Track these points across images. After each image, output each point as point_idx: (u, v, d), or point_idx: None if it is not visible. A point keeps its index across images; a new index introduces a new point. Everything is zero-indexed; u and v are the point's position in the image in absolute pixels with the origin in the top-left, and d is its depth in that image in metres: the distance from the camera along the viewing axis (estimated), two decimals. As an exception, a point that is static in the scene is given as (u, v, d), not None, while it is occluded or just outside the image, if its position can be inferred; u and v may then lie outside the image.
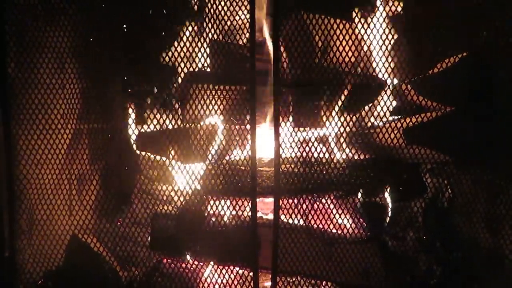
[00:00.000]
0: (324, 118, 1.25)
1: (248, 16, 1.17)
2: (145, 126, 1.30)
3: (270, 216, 1.29)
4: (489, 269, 1.29)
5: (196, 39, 1.24)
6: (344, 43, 1.19)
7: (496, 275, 1.29)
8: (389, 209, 1.30)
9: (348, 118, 1.24)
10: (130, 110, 1.32)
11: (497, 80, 1.25)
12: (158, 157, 1.32)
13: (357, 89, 1.25)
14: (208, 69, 1.30)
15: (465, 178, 1.30)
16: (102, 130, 1.33)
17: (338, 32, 1.18)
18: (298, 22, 1.20)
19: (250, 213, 1.23)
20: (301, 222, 1.28)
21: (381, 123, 1.26)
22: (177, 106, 1.28)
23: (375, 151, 1.28)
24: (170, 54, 1.24)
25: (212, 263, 1.32)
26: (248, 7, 1.17)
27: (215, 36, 1.24)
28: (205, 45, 1.26)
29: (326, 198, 1.27)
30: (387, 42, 1.20)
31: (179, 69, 1.25)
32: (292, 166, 1.27)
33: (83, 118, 1.31)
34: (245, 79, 1.19)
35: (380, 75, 1.25)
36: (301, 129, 1.29)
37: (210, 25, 1.22)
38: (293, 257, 1.26)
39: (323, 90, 1.25)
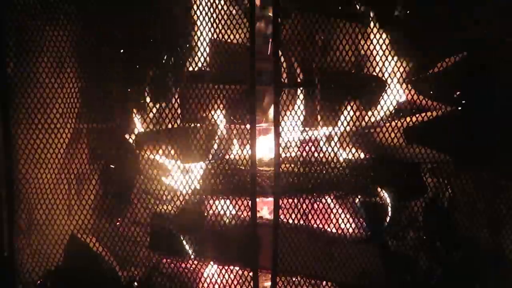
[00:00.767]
0: (324, 118, 1.25)
1: (248, 15, 1.17)
2: (145, 126, 1.30)
3: (270, 216, 1.29)
4: (489, 269, 1.29)
5: (196, 38, 1.24)
6: (344, 42, 1.19)
7: (496, 274, 1.29)
8: (389, 209, 1.30)
9: (348, 118, 1.24)
10: (130, 109, 1.32)
11: (497, 79, 1.24)
12: (157, 157, 1.31)
13: (357, 89, 1.25)
14: (208, 69, 1.29)
15: (466, 177, 1.29)
16: (102, 130, 1.32)
17: (338, 31, 1.18)
18: (298, 21, 1.20)
19: (249, 213, 1.22)
20: (301, 222, 1.28)
21: (381, 123, 1.26)
22: (176, 105, 1.28)
23: (375, 151, 1.28)
24: (170, 53, 1.24)
25: (211, 263, 1.32)
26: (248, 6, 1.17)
27: (215, 36, 1.24)
28: (205, 44, 1.26)
29: (326, 198, 1.27)
30: (387, 41, 1.20)
31: (179, 68, 1.25)
32: (292, 165, 1.27)
33: (82, 118, 1.31)
34: (244, 79, 1.19)
35: (380, 75, 1.25)
36: (301, 128, 1.29)
37: (210, 25, 1.22)
38: (293, 257, 1.26)
39: (323, 89, 1.25)
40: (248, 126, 1.21)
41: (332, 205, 1.27)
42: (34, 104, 1.27)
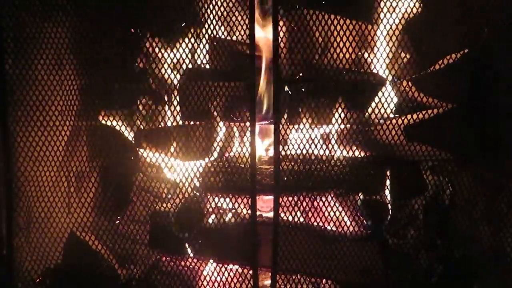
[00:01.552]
0: (324, 115, 1.24)
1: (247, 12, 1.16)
2: (144, 123, 1.30)
3: (270, 214, 1.28)
4: (490, 267, 1.29)
5: (196, 36, 1.24)
6: (344, 39, 1.18)
7: (497, 273, 1.29)
8: (390, 207, 1.29)
9: (348, 116, 1.23)
10: (130, 107, 1.31)
11: (497, 77, 1.24)
12: (157, 155, 1.31)
13: (357, 86, 1.25)
14: (208, 66, 1.29)
15: (466, 175, 1.29)
16: (101, 128, 1.32)
17: (338, 28, 1.18)
18: (298, 18, 1.19)
19: (249, 211, 1.22)
20: (301, 220, 1.28)
21: (381, 121, 1.26)
22: (176, 103, 1.27)
23: (376, 149, 1.27)
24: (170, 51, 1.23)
25: (211, 261, 1.32)
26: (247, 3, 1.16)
27: (215, 33, 1.23)
28: (204, 41, 1.25)
29: (326, 196, 1.27)
30: (387, 38, 1.20)
31: (179, 66, 1.25)
32: (292, 163, 1.26)
33: (81, 115, 1.30)
34: (244, 76, 1.19)
35: (380, 72, 1.24)
36: (301, 126, 1.28)
37: (209, 22, 1.22)
38: (293, 255, 1.25)
39: (323, 87, 1.25)
40: (247, 123, 1.20)
41: (332, 203, 1.27)
42: (32, 101, 1.27)
